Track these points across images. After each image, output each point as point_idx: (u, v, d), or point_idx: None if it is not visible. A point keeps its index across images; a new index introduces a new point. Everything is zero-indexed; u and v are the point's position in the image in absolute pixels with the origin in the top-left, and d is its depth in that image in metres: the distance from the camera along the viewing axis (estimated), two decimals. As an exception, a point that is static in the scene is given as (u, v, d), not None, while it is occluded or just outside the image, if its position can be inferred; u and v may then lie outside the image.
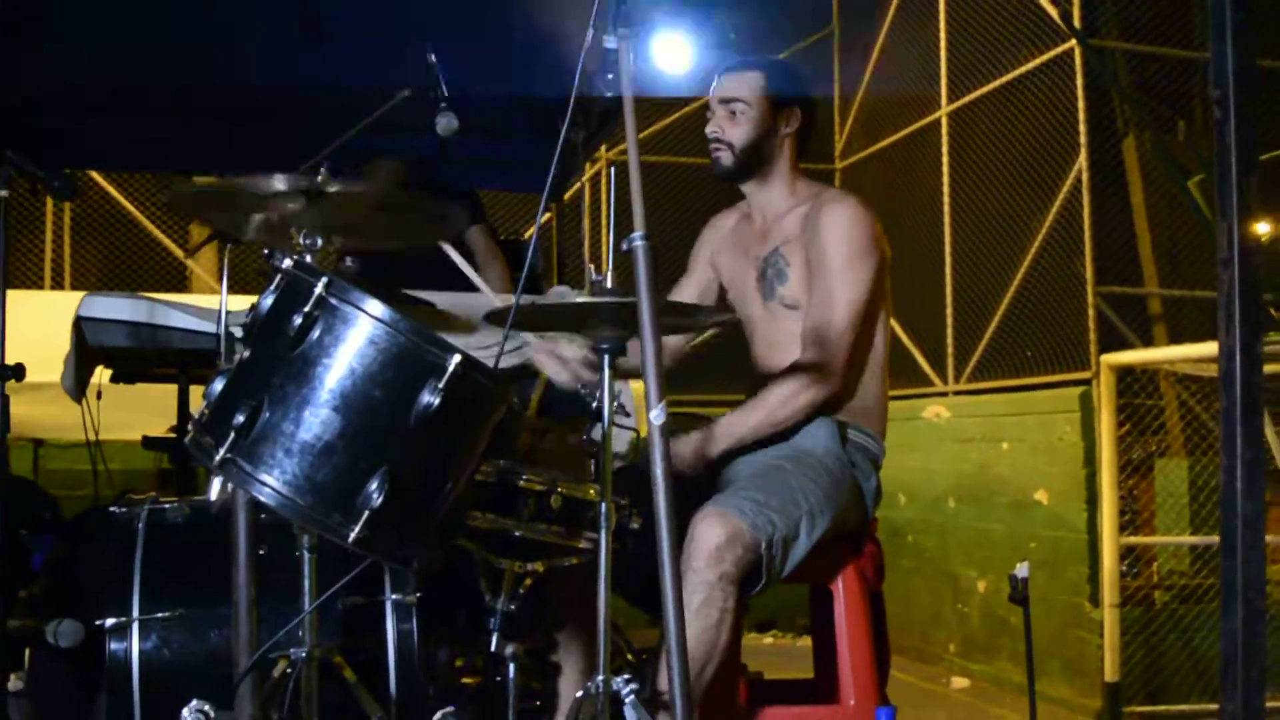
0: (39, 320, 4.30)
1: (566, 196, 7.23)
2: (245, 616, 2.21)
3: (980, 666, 6.76)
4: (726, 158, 3.04)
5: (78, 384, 3.78)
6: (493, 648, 2.63)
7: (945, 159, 7.99)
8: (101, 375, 4.15)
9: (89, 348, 3.69)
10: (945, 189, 7.95)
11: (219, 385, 1.96)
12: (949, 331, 7.78)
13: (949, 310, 7.78)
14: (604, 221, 8.84)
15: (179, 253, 9.32)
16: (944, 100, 8.01)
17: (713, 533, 2.59)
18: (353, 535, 1.87)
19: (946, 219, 7.89)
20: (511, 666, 2.62)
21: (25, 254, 9.06)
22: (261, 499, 1.86)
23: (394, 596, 2.61)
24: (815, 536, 2.73)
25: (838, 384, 2.90)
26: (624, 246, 2.07)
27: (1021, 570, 3.65)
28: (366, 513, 1.86)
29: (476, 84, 5.29)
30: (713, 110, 3.07)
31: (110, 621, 2.48)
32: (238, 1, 4.44)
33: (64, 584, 2.75)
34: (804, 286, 2.96)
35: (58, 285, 9.03)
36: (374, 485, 1.87)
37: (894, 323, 8.32)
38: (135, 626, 2.49)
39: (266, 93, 5.10)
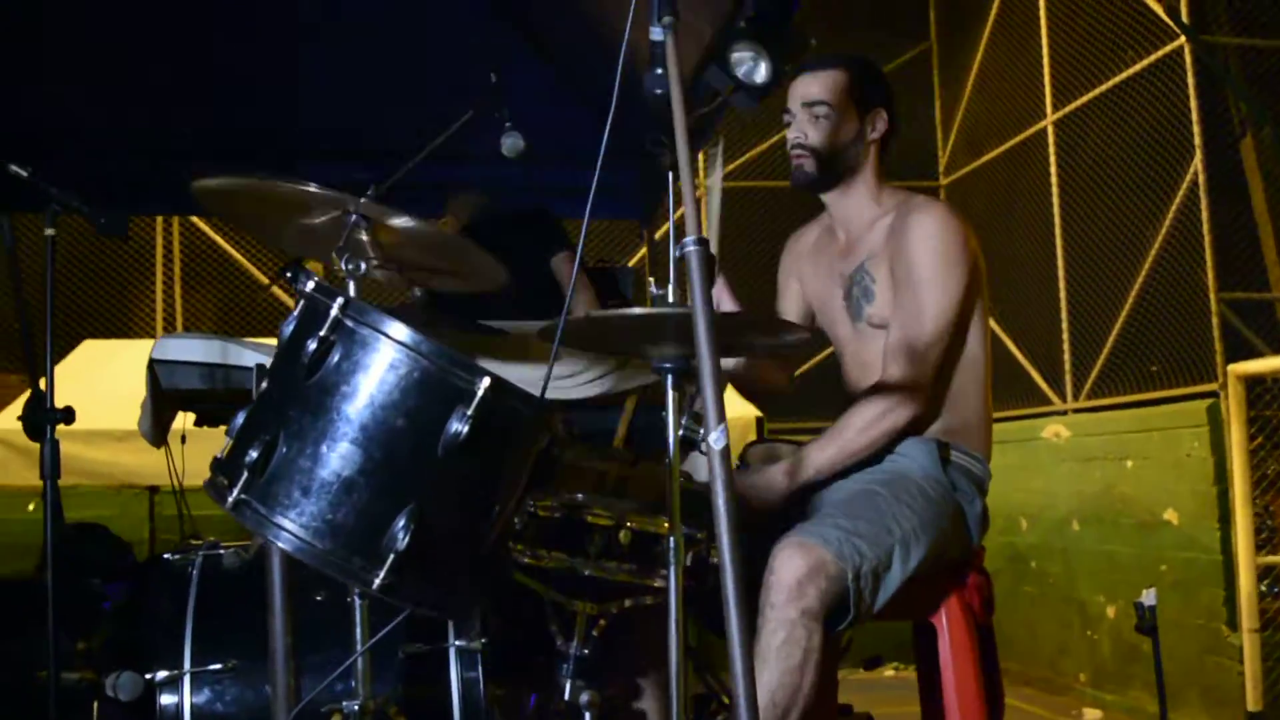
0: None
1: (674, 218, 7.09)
2: (282, 668, 2.06)
3: (1113, 697, 6.48)
4: (810, 165, 2.82)
5: (155, 428, 3.70)
6: (566, 696, 2.47)
7: (1053, 169, 7.71)
8: (185, 420, 4.10)
9: (163, 391, 3.62)
10: (1055, 200, 7.67)
11: (240, 420, 1.81)
12: (1065, 347, 7.49)
13: (1065, 325, 7.51)
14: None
15: (289, 301, 9.40)
16: (1049, 109, 7.73)
17: (793, 564, 2.37)
18: (377, 581, 1.69)
19: (1057, 230, 7.62)
20: (587, 716, 2.45)
21: (138, 302, 9.17)
22: (278, 543, 1.70)
23: (458, 643, 2.44)
24: (911, 566, 2.50)
25: (925, 406, 2.67)
26: (676, 253, 1.89)
27: (1148, 598, 3.39)
28: (392, 556, 1.69)
29: (557, 109, 5.24)
30: (793, 114, 2.86)
31: (161, 675, 2.36)
32: (305, 41, 4.41)
33: (125, 634, 2.64)
34: (892, 304, 2.74)
35: (170, 332, 9.15)
36: (400, 525, 1.70)
37: (1008, 341, 8.10)
38: (186, 679, 2.36)
39: (334, 129, 5.08)
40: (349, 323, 1.76)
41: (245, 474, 1.72)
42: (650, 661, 2.75)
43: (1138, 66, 6.76)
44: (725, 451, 1.78)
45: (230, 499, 1.73)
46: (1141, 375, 6.70)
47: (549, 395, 2.43)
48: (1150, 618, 3.31)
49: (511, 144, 3.26)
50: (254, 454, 1.72)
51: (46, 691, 2.67)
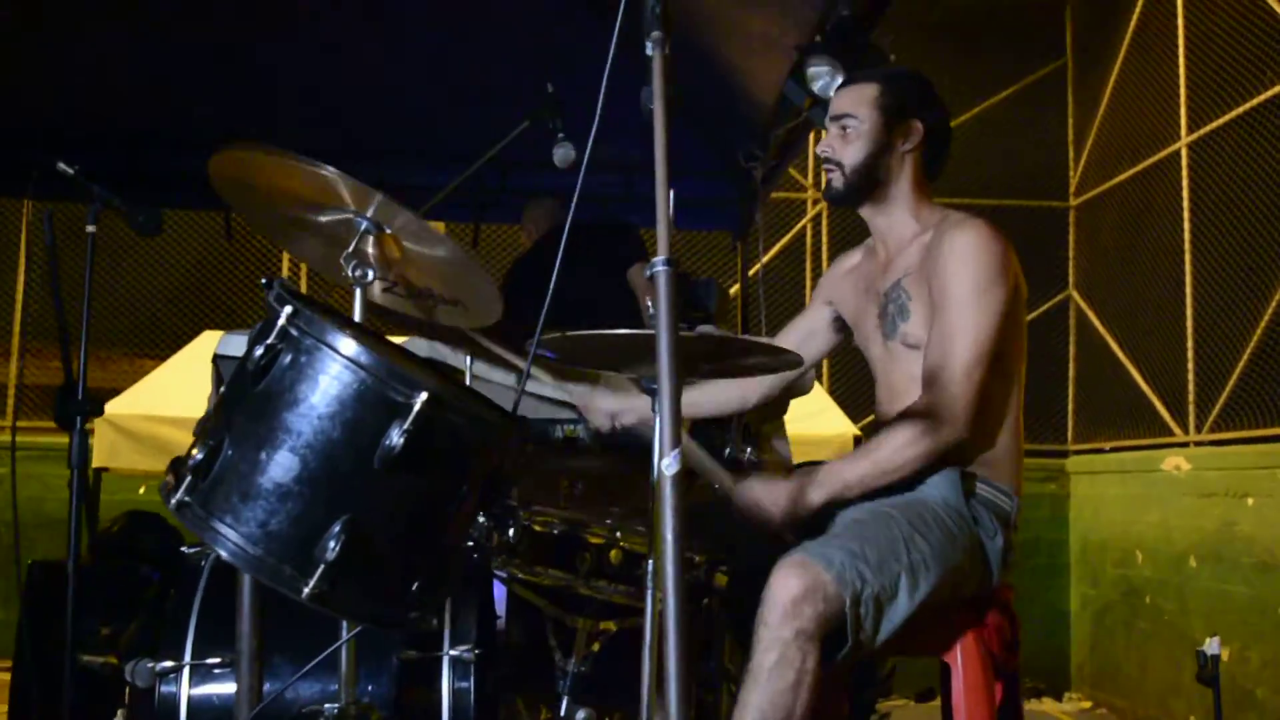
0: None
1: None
2: (248, 670, 2.09)
3: (1221, 742, 6.17)
4: (837, 179, 2.76)
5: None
6: (563, 712, 2.47)
7: (1185, 192, 7.42)
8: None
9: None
10: (1185, 224, 7.38)
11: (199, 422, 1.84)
12: (1190, 377, 7.21)
13: (1190, 354, 7.22)
14: (808, 260, 8.60)
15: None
16: (1183, 131, 7.44)
17: (789, 584, 2.29)
18: (306, 591, 1.70)
19: (1187, 255, 7.33)
20: (584, 732, 2.44)
21: (257, 295, 9.42)
22: (215, 548, 1.73)
23: (451, 652, 2.44)
24: (919, 597, 2.40)
25: (961, 430, 2.56)
26: (646, 273, 1.86)
27: (1211, 646, 3.21)
28: (322, 566, 1.70)
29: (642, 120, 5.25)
30: (827, 130, 2.81)
31: (164, 665, 2.42)
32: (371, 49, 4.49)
33: (154, 621, 2.72)
34: (927, 324, 2.65)
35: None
36: (332, 535, 1.70)
37: (1131, 367, 7.83)
38: (186, 671, 2.42)
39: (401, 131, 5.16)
40: (294, 332, 1.78)
41: (190, 476, 1.75)
42: (664, 677, 2.71)
43: (1277, 89, 6.47)
44: (677, 478, 1.75)
45: (174, 500, 1.76)
46: (1268, 409, 6.41)
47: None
48: (1212, 667, 3.13)
49: (563, 155, 3.26)
50: (199, 456, 1.75)
51: (78, 672, 2.77)
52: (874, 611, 2.35)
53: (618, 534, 2.32)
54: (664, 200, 1.87)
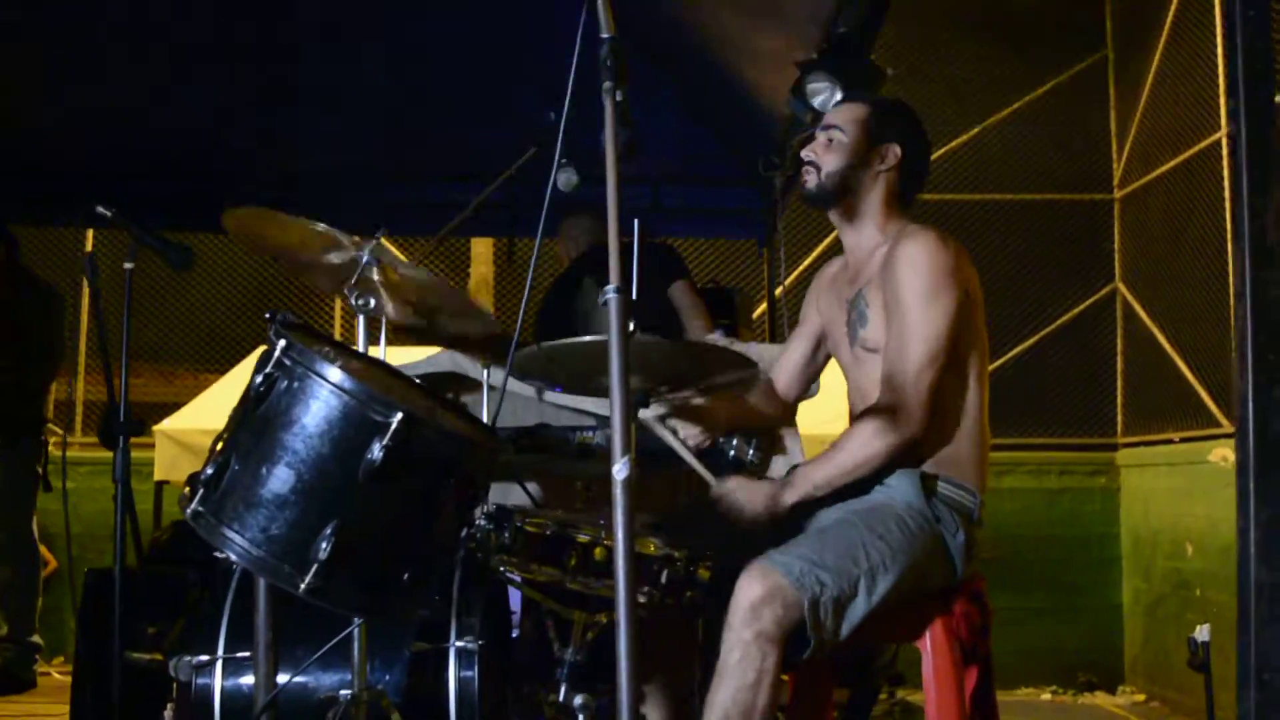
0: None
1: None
2: (264, 657, 2.33)
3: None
4: (812, 181, 2.97)
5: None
6: (561, 698, 2.67)
7: (1227, 183, 7.43)
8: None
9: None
10: (1228, 214, 7.39)
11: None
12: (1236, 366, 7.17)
13: (1235, 344, 7.18)
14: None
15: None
16: (1224, 119, 7.46)
17: (751, 589, 2.50)
18: (303, 585, 1.96)
19: (1230, 245, 7.32)
20: (580, 717, 2.64)
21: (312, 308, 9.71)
22: (225, 551, 1.98)
23: (457, 643, 2.67)
24: (878, 596, 2.59)
25: (916, 430, 2.74)
26: (600, 301, 2.06)
27: (1202, 633, 3.33)
28: (316, 564, 1.95)
29: (681, 131, 5.44)
30: (815, 136, 3.03)
31: (199, 659, 2.67)
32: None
33: (194, 621, 2.96)
34: (884, 329, 2.84)
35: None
36: (324, 538, 1.95)
37: (1177, 358, 7.85)
38: (219, 664, 2.67)
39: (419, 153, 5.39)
40: (288, 361, 2.04)
41: (202, 489, 2.02)
42: (652, 667, 2.92)
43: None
44: (627, 483, 1.95)
45: (189, 509, 2.03)
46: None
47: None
48: (1203, 654, 3.25)
49: (565, 179, 3.44)
50: (210, 471, 2.01)
51: (127, 669, 3.04)
52: (833, 612, 2.55)
53: (603, 533, 2.52)
54: (615, 232, 2.06)
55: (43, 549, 6.00)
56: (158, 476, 5.88)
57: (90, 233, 7.55)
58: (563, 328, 4.62)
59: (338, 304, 9.42)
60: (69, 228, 7.06)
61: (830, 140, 2.97)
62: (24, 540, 5.49)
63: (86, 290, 7.70)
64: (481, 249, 8.78)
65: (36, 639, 5.57)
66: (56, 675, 5.63)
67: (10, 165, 5.50)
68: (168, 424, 6.05)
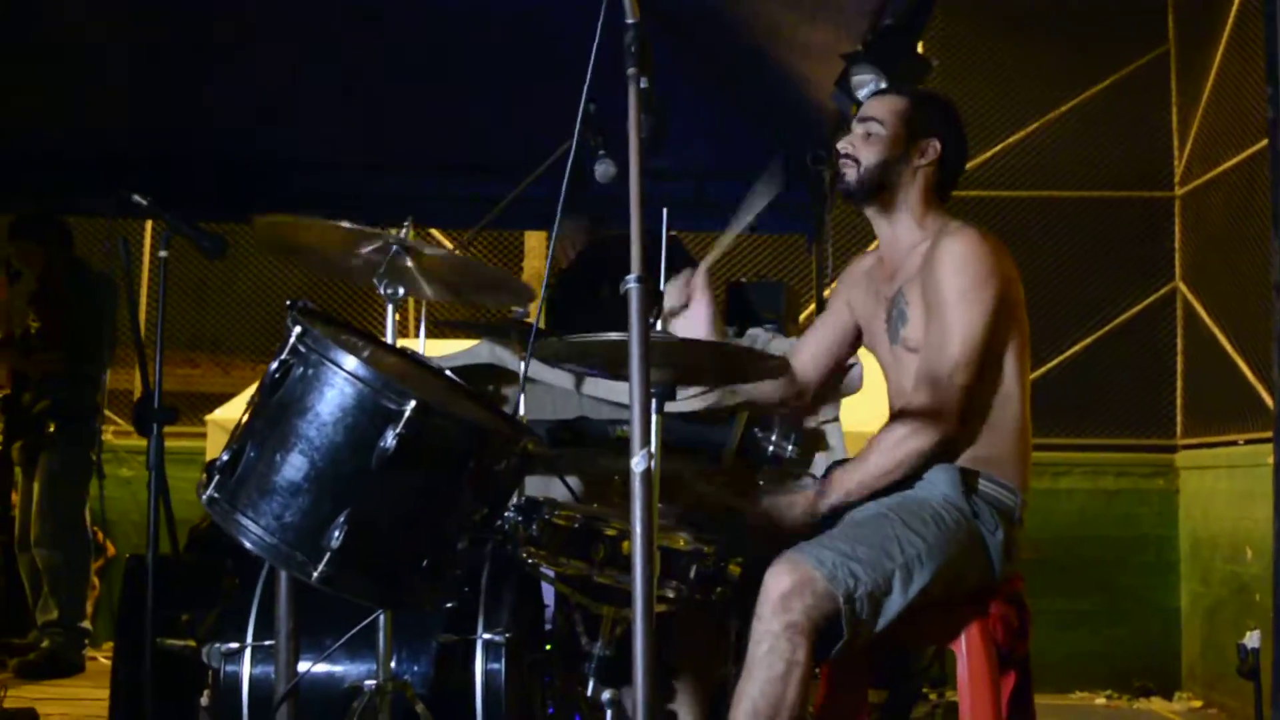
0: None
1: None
2: (285, 645, 2.33)
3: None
4: (851, 174, 2.92)
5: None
6: (589, 693, 2.65)
7: (1287, 179, 7.25)
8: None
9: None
10: (1288, 211, 7.21)
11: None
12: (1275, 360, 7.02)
13: (1275, 337, 7.04)
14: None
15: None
16: (1286, 114, 7.28)
17: (780, 580, 2.47)
18: (315, 574, 1.95)
19: (1272, 236, 7.15)
20: (609, 713, 2.62)
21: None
22: (238, 537, 1.98)
23: (485, 635, 2.66)
24: (913, 591, 2.55)
25: (953, 429, 2.71)
26: (621, 289, 2.04)
27: (1252, 640, 3.25)
28: (328, 553, 1.95)
29: (724, 125, 5.41)
30: (852, 128, 2.98)
31: (229, 646, 2.68)
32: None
33: (229, 608, 2.98)
34: (924, 327, 2.79)
35: (403, 334, 9.70)
36: (336, 526, 1.95)
37: (1238, 359, 7.69)
38: (248, 652, 2.68)
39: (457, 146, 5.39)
40: (303, 349, 2.04)
41: (218, 475, 2.03)
42: (683, 663, 2.90)
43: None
44: (646, 474, 1.93)
45: (205, 496, 2.04)
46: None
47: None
48: (1253, 660, 3.17)
49: (603, 170, 3.43)
50: (226, 458, 2.02)
51: (163, 655, 3.07)
52: (869, 606, 2.51)
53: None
54: (638, 221, 2.03)
55: (100, 536, 6.10)
56: (209, 464, 5.93)
57: (149, 224, 7.65)
58: (575, 318, 4.60)
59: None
60: (114, 219, 7.18)
61: (868, 133, 2.92)
62: (76, 527, 5.58)
63: (145, 282, 7.82)
64: (535, 243, 8.78)
65: (86, 624, 5.66)
66: (102, 660, 5.70)
67: (52, 157, 5.58)
68: (219, 413, 6.14)
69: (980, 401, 2.76)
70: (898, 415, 2.76)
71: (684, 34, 5.11)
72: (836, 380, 3.48)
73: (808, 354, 3.17)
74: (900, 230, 2.95)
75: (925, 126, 2.93)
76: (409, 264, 2.57)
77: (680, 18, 4.68)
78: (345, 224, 2.37)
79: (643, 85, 2.11)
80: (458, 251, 2.39)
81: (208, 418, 6.13)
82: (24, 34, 4.66)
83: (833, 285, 6.26)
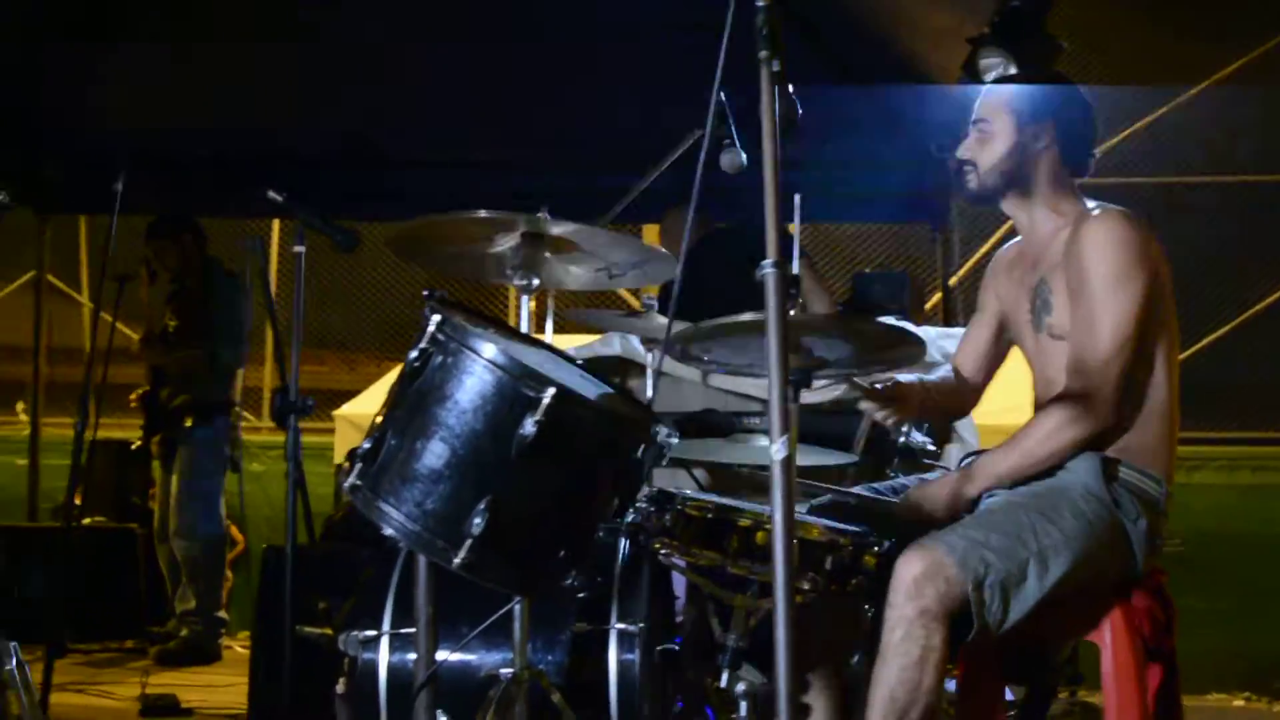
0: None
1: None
2: (425, 633, 2.36)
3: None
4: (972, 181, 2.89)
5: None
6: (724, 685, 2.63)
7: None
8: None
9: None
10: None
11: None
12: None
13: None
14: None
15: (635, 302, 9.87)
16: None
17: (911, 566, 2.43)
18: (456, 560, 1.97)
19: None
20: (743, 705, 2.60)
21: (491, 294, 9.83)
22: (380, 524, 2.00)
23: (619, 625, 2.66)
24: (1049, 581, 2.49)
25: (1106, 418, 2.64)
26: (758, 274, 2.01)
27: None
28: (470, 539, 1.96)
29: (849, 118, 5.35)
30: (968, 133, 2.94)
31: (366, 634, 2.73)
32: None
33: (365, 596, 3.02)
34: (1070, 315, 2.73)
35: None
36: (478, 513, 1.96)
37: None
38: (385, 640, 2.72)
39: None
40: (443, 337, 2.06)
41: (360, 463, 2.06)
42: (817, 655, 2.86)
43: None
44: (786, 463, 1.90)
45: (347, 483, 2.07)
46: None
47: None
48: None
49: (729, 160, 3.40)
50: (367, 445, 2.05)
51: (301, 643, 3.13)
52: (1000, 595, 2.46)
53: (766, 517, 2.47)
54: (774, 207, 2.01)
55: (233, 529, 6.26)
56: (338, 460, 6.06)
57: (276, 223, 7.83)
58: (693, 309, 4.60)
59: (511, 293, 9.57)
60: (247, 219, 7.37)
61: (982, 134, 2.89)
62: (212, 519, 5.73)
63: (275, 280, 8.01)
64: (651, 237, 8.80)
65: (222, 614, 5.82)
66: (238, 649, 5.85)
67: (189, 159, 5.73)
68: (347, 409, 6.24)
69: (1132, 391, 2.69)
70: (1050, 403, 2.70)
71: (806, 21, 5.07)
72: None
73: (974, 354, 3.13)
74: (1037, 218, 2.89)
75: (1035, 111, 2.87)
76: (545, 255, 2.58)
77: (803, 5, 4.65)
78: (483, 213, 2.38)
79: (775, 69, 2.08)
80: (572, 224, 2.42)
81: (336, 413, 6.25)
82: (162, 40, 4.80)
83: (958, 274, 6.23)
